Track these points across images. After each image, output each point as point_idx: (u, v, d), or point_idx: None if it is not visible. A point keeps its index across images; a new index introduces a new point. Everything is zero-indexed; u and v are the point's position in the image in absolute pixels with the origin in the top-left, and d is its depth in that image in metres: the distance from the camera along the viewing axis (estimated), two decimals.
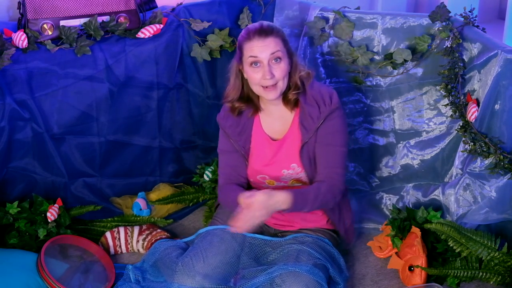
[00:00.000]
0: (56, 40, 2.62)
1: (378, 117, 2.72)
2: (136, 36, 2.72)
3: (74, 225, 2.67)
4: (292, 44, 2.36)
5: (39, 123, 2.61)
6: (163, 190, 2.91)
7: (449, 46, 2.44)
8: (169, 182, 2.97)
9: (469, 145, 2.40)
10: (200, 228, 2.53)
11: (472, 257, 2.35)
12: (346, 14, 2.63)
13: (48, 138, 2.65)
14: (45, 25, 2.59)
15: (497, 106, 2.30)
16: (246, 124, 2.36)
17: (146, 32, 2.72)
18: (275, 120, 2.34)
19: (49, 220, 2.57)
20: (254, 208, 2.10)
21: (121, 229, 2.65)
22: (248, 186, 2.42)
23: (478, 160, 2.37)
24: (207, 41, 2.83)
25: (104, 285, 2.38)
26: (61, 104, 2.65)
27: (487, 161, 2.35)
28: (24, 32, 2.55)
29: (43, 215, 2.59)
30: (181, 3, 2.86)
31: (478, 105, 2.37)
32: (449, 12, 2.48)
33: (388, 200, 2.76)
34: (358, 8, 2.73)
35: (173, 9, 2.83)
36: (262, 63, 2.19)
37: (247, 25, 2.81)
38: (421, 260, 2.36)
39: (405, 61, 2.57)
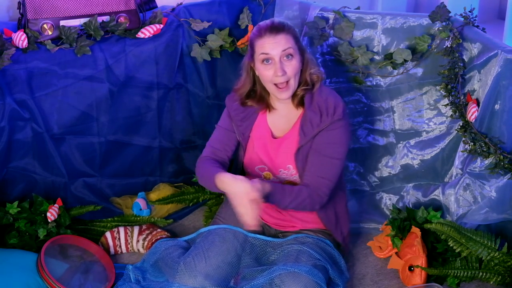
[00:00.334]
0: (56, 40, 2.62)
1: (378, 117, 2.72)
2: (136, 36, 2.72)
3: (74, 225, 2.67)
4: None
5: (39, 123, 2.61)
6: (163, 190, 2.91)
7: (449, 46, 2.44)
8: (169, 182, 2.97)
9: (469, 145, 2.40)
10: (200, 228, 2.53)
11: (472, 257, 2.35)
12: (346, 14, 2.63)
13: (48, 138, 2.65)
14: (45, 25, 2.59)
15: (497, 106, 2.30)
16: (251, 112, 2.36)
17: (146, 32, 2.72)
18: (281, 117, 2.34)
19: (49, 220, 2.57)
20: (237, 203, 2.10)
21: (121, 229, 2.65)
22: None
23: (478, 160, 2.37)
24: (207, 41, 2.83)
25: (104, 285, 2.38)
26: (61, 104, 2.65)
27: (487, 161, 2.35)
28: (24, 32, 2.55)
29: (43, 215, 2.59)
30: (181, 3, 2.86)
31: (478, 105, 2.37)
32: (449, 12, 2.48)
33: (388, 200, 2.76)
34: (358, 8, 2.73)
35: (173, 9, 2.83)
36: (274, 60, 2.19)
37: (247, 25, 2.83)
38: (421, 260, 2.36)
39: (405, 61, 2.57)
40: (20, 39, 2.53)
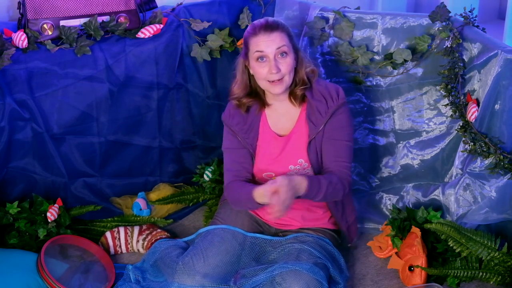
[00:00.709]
0: (56, 40, 2.62)
1: (378, 117, 2.72)
2: (136, 36, 2.72)
3: (74, 225, 2.67)
4: None
5: (39, 123, 2.61)
6: (163, 190, 2.91)
7: (449, 46, 2.44)
8: (169, 182, 2.97)
9: (469, 145, 2.40)
10: (200, 228, 2.53)
11: (472, 257, 2.35)
12: (346, 14, 2.63)
13: (48, 138, 2.65)
14: (45, 25, 2.59)
15: (497, 106, 2.30)
16: (253, 121, 2.37)
17: (146, 32, 2.72)
18: (281, 116, 2.36)
19: (49, 220, 2.57)
20: (282, 191, 2.10)
21: (121, 229, 2.65)
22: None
23: (478, 160, 2.37)
24: (207, 41, 2.83)
25: (104, 285, 2.38)
26: (61, 104, 2.65)
27: (487, 161, 2.35)
28: (24, 32, 2.55)
29: (43, 215, 2.59)
30: (181, 3, 2.86)
31: (478, 105, 2.37)
32: (449, 12, 2.48)
33: (388, 200, 2.76)
34: (358, 8, 2.73)
35: (173, 9, 2.83)
36: (268, 57, 2.22)
37: (247, 25, 2.82)
38: (421, 260, 2.36)
39: (405, 61, 2.57)
40: (20, 39, 2.53)
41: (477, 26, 2.46)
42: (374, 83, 2.68)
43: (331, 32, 2.66)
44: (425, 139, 2.66)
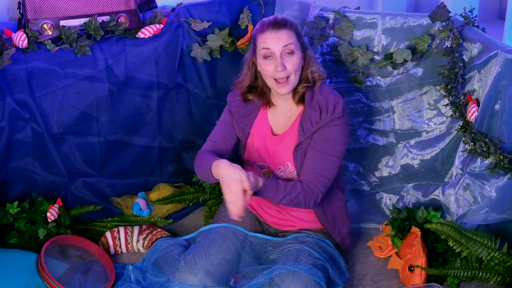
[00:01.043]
0: (56, 40, 2.62)
1: (378, 117, 2.72)
2: (136, 36, 2.72)
3: (74, 225, 2.67)
4: None
5: (39, 123, 2.61)
6: (163, 190, 2.91)
7: (449, 46, 2.44)
8: (169, 182, 2.97)
9: (469, 145, 2.40)
10: (200, 228, 2.53)
11: (472, 257, 2.35)
12: (346, 14, 2.63)
13: (48, 138, 2.65)
14: (45, 25, 2.59)
15: (497, 106, 2.30)
16: (252, 109, 2.37)
17: (146, 32, 2.72)
18: (281, 114, 2.35)
19: (49, 220, 2.57)
20: (232, 185, 2.07)
21: (121, 229, 2.65)
22: None
23: (478, 160, 2.37)
24: (207, 41, 2.83)
25: (104, 285, 2.38)
26: (61, 104, 2.65)
27: (487, 161, 2.35)
28: (24, 32, 2.55)
29: (43, 215, 2.59)
30: (181, 3, 2.86)
31: (478, 105, 2.37)
32: (449, 12, 2.48)
33: (388, 200, 2.76)
34: (358, 8, 2.73)
35: (173, 9, 2.83)
36: (275, 55, 2.21)
37: (247, 25, 2.83)
38: (421, 260, 2.36)
39: (405, 61, 2.57)
40: (20, 39, 2.53)
41: (477, 26, 2.46)
42: (374, 83, 2.68)
43: (331, 32, 2.66)
44: (425, 139, 2.66)
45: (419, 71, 2.59)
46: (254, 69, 2.32)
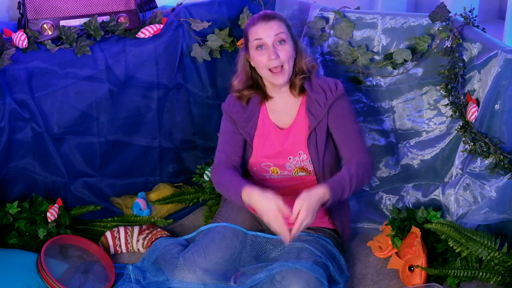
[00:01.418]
0: (56, 40, 2.62)
1: (378, 117, 2.72)
2: (136, 36, 2.73)
3: (74, 225, 2.67)
4: None
5: (39, 123, 2.61)
6: (163, 190, 2.91)
7: (449, 46, 2.44)
8: (169, 182, 2.97)
9: (469, 145, 2.40)
10: (199, 227, 2.53)
11: (472, 257, 2.35)
12: (346, 14, 2.63)
13: (48, 138, 2.65)
14: (45, 25, 2.59)
15: (497, 106, 2.30)
16: (253, 111, 2.40)
17: (146, 32, 2.72)
18: (282, 109, 2.39)
19: (49, 220, 2.57)
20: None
21: (121, 229, 2.65)
22: (244, 175, 2.43)
23: (478, 160, 2.37)
24: (207, 41, 2.83)
25: (104, 285, 2.38)
26: (61, 104, 2.65)
27: (487, 161, 2.35)
28: (24, 32, 2.55)
29: (43, 215, 2.59)
30: (181, 3, 2.86)
31: (478, 105, 2.37)
32: (449, 12, 2.48)
33: (388, 200, 2.76)
34: (358, 8, 2.73)
35: (173, 9, 2.83)
36: (267, 44, 2.27)
37: None
38: (421, 260, 2.36)
39: (405, 61, 2.57)
40: (20, 39, 2.53)
41: (477, 26, 2.46)
42: (374, 83, 2.68)
43: (331, 32, 2.66)
44: (425, 139, 2.66)
45: (419, 71, 2.59)
46: (249, 66, 2.36)
